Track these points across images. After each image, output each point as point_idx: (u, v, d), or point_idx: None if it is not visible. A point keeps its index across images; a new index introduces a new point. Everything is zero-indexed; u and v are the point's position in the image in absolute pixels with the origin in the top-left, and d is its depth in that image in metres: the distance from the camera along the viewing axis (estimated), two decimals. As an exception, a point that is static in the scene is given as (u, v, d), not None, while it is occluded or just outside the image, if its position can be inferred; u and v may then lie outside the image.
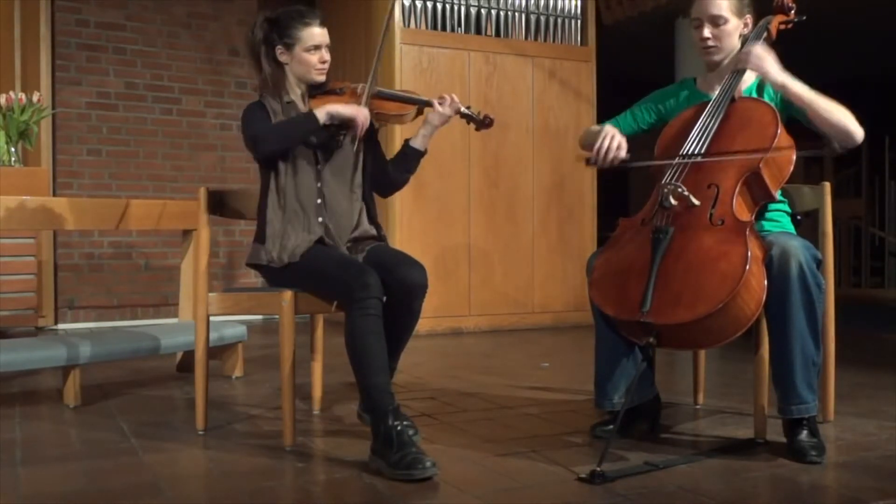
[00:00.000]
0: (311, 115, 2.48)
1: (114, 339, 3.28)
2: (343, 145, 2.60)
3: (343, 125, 2.60)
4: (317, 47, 2.59)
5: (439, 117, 2.62)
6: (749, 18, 2.58)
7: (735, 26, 2.56)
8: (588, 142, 2.66)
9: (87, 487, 2.07)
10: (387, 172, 2.71)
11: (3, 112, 3.53)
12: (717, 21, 2.54)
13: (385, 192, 2.78)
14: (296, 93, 2.65)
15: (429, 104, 2.64)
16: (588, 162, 2.53)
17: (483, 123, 2.63)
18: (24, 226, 3.16)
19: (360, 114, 2.49)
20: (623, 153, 2.49)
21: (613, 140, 2.49)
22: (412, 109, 2.64)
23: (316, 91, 2.66)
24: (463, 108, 2.62)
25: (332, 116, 2.48)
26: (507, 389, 3.36)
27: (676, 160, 2.41)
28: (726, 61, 2.59)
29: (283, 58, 2.60)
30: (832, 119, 2.37)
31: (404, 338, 2.51)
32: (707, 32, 2.55)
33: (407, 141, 2.68)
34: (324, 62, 2.62)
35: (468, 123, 2.65)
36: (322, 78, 2.63)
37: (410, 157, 2.68)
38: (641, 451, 2.34)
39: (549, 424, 2.73)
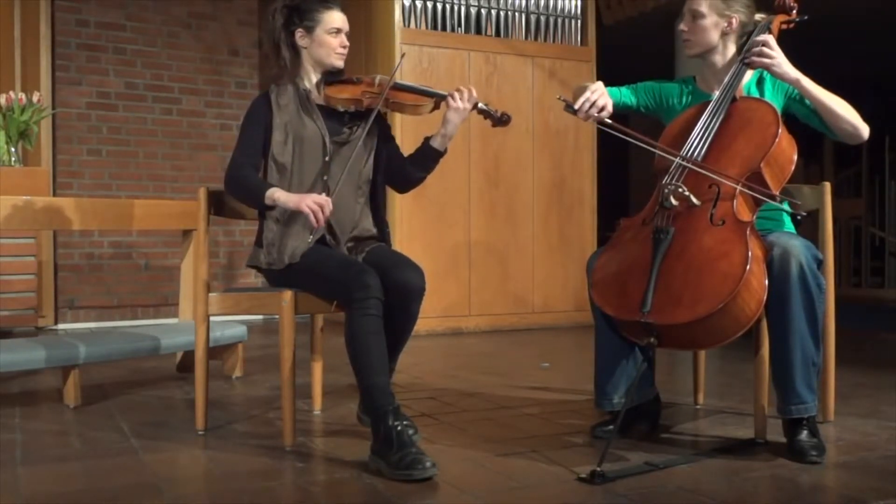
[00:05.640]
0: (263, 193, 2.43)
1: (114, 339, 3.27)
2: (353, 139, 2.58)
3: (357, 115, 2.59)
4: (338, 31, 2.59)
5: (457, 114, 2.56)
6: (735, 18, 2.57)
7: (712, 23, 2.57)
8: (574, 94, 2.62)
9: (87, 487, 2.07)
10: (403, 168, 2.68)
11: (3, 112, 3.53)
12: (694, 14, 2.59)
13: (401, 188, 2.76)
14: (311, 80, 2.63)
15: (445, 97, 2.57)
16: (567, 107, 2.52)
17: (500, 120, 2.59)
18: (24, 226, 3.16)
19: (302, 203, 2.36)
20: (606, 114, 2.50)
21: (601, 98, 2.50)
22: (429, 102, 2.58)
23: (332, 79, 2.64)
24: (481, 104, 2.57)
25: (283, 203, 2.42)
26: (507, 389, 3.36)
27: (678, 159, 2.41)
28: (717, 58, 2.61)
29: (302, 41, 2.59)
30: (843, 115, 2.40)
31: (402, 340, 2.50)
32: (684, 25, 2.62)
33: (427, 140, 2.64)
34: (344, 46, 2.61)
35: (485, 119, 2.61)
36: (341, 63, 2.62)
37: (429, 157, 2.64)
38: (641, 451, 2.34)
39: (549, 424, 2.73)
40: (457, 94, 2.56)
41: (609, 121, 2.47)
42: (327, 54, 2.59)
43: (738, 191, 2.29)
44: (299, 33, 2.59)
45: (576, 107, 2.48)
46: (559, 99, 2.57)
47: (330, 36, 2.58)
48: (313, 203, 2.36)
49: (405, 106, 2.58)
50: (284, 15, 2.60)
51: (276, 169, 2.55)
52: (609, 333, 2.46)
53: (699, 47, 2.61)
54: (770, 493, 2.05)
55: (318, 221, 2.36)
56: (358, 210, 2.61)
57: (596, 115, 2.48)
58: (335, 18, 2.59)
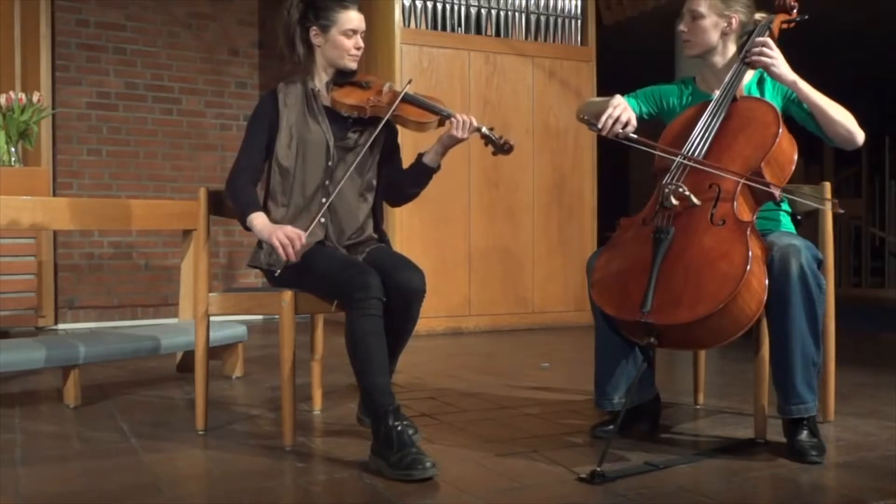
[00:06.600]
0: (246, 215, 2.44)
1: (114, 339, 3.27)
2: (358, 146, 2.56)
3: (360, 121, 2.57)
4: (353, 31, 2.55)
5: (452, 140, 2.52)
6: (735, 18, 2.57)
7: (712, 23, 2.57)
8: (591, 110, 2.57)
9: (87, 487, 2.07)
10: (399, 183, 2.66)
11: (3, 112, 3.53)
12: (694, 15, 2.59)
13: (394, 201, 2.74)
14: (322, 79, 2.61)
15: (449, 117, 2.53)
16: (591, 126, 2.46)
17: (501, 148, 2.53)
18: (24, 226, 3.16)
19: (273, 236, 2.34)
20: (630, 129, 2.45)
21: (625, 112, 2.44)
22: (434, 119, 2.54)
23: (342, 80, 2.61)
24: (485, 129, 2.51)
25: (258, 232, 2.43)
26: (507, 389, 3.36)
27: (679, 158, 2.41)
28: (717, 58, 2.61)
29: (316, 40, 2.56)
30: (839, 120, 2.40)
31: (402, 340, 2.49)
32: (683, 26, 2.61)
33: (420, 156, 2.61)
34: (358, 48, 2.57)
35: (486, 145, 2.55)
36: (354, 65, 2.59)
37: (421, 173, 2.60)
38: (641, 451, 2.34)
39: (549, 424, 2.73)
40: (456, 120, 2.50)
41: (634, 135, 2.44)
42: (340, 56, 2.56)
43: (738, 191, 2.29)
44: (314, 31, 2.55)
45: (599, 125, 2.43)
46: (582, 119, 2.54)
47: (344, 37, 2.54)
48: (284, 237, 2.33)
49: (408, 121, 2.54)
50: (300, 10, 2.56)
51: (279, 172, 2.54)
52: (609, 333, 2.46)
53: (699, 48, 2.61)
54: (770, 493, 2.05)
55: (287, 256, 2.34)
56: (361, 216, 2.60)
57: (620, 130, 2.44)
58: (351, 19, 2.54)
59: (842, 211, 2.32)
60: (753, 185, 2.30)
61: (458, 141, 2.53)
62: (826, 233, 2.68)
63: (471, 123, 2.51)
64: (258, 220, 2.44)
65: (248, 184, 2.53)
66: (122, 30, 6.01)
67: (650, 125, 2.75)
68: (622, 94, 2.60)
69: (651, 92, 2.75)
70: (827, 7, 5.70)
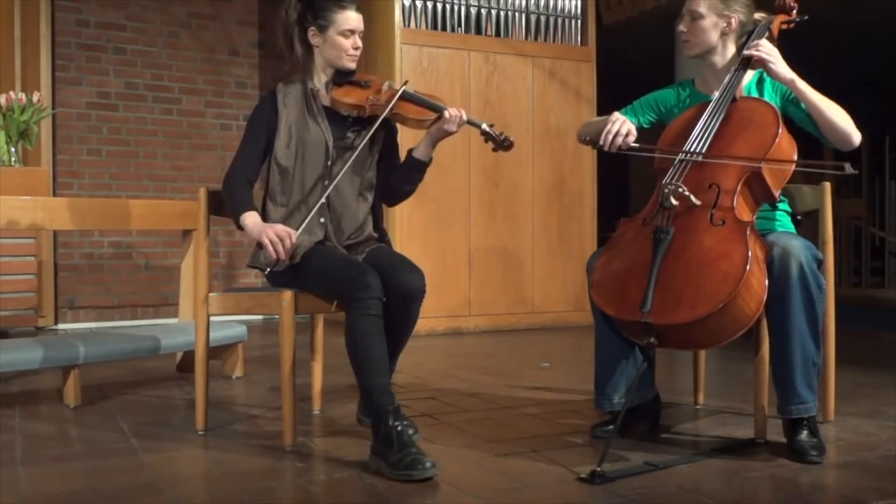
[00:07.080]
0: (238, 214, 2.47)
1: (114, 339, 3.27)
2: (356, 144, 2.56)
3: (359, 121, 2.57)
4: (351, 32, 2.55)
5: (439, 132, 2.53)
6: (735, 18, 2.57)
7: (712, 23, 2.57)
8: (591, 130, 2.61)
9: (87, 487, 2.07)
10: (394, 182, 2.65)
11: (3, 112, 3.53)
12: (693, 15, 2.59)
13: (389, 201, 2.74)
14: (321, 79, 2.61)
15: (443, 111, 2.53)
16: (594, 145, 2.50)
17: (502, 145, 2.54)
18: (24, 226, 3.16)
19: (263, 235, 2.36)
20: (631, 139, 2.49)
21: (624, 125, 2.49)
22: (433, 116, 2.53)
23: (341, 80, 2.60)
24: (484, 126, 2.52)
25: (249, 230, 2.45)
26: (507, 389, 3.36)
27: (681, 155, 2.41)
28: (716, 58, 2.60)
29: (314, 40, 2.56)
30: (835, 120, 2.40)
31: (402, 341, 2.49)
32: (683, 26, 2.62)
33: (410, 151, 2.61)
34: (356, 48, 2.57)
35: (486, 142, 2.56)
36: (352, 65, 2.59)
37: (412, 168, 2.60)
38: (641, 451, 2.34)
39: (549, 424, 2.73)
40: (449, 114, 2.50)
41: (636, 144, 2.48)
42: (338, 56, 2.56)
43: (737, 191, 2.29)
44: (312, 31, 2.56)
45: (601, 142, 2.48)
46: (584, 140, 2.58)
47: (342, 37, 2.54)
48: (274, 235, 2.34)
49: (408, 119, 2.54)
50: (298, 10, 2.56)
51: (279, 171, 2.54)
52: (609, 333, 2.46)
53: (698, 48, 2.61)
54: (770, 493, 2.05)
55: (277, 254, 2.34)
56: (361, 216, 2.60)
57: (621, 142, 2.47)
58: (349, 19, 2.54)
59: (855, 171, 2.29)
60: (771, 165, 2.29)
61: (447, 134, 2.54)
62: (826, 233, 2.68)
63: (461, 117, 2.52)
64: (250, 218, 2.46)
65: (244, 184, 2.54)
66: (122, 30, 6.01)
67: (653, 129, 2.75)
68: (620, 103, 2.62)
69: (647, 101, 2.75)
70: (827, 7, 5.70)
